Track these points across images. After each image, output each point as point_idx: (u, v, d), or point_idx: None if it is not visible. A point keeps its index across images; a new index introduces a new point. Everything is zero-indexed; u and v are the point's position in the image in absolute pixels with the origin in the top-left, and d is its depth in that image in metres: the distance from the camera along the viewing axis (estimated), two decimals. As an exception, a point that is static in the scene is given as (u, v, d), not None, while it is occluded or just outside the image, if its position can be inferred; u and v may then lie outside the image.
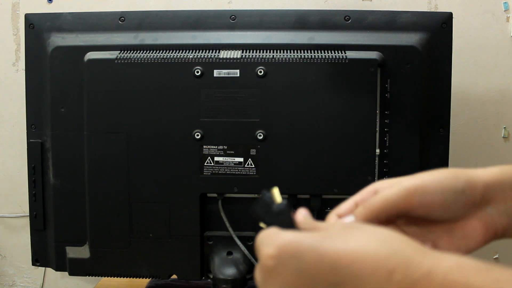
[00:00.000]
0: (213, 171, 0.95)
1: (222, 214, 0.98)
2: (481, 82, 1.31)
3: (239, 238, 0.97)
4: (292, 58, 0.93)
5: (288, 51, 0.95)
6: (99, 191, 0.97)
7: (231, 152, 0.95)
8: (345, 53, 0.93)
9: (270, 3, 1.32)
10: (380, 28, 0.97)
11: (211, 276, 0.99)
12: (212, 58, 0.94)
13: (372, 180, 0.93)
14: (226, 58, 0.93)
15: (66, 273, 1.01)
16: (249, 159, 0.95)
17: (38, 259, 1.04)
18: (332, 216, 0.51)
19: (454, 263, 0.38)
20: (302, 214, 0.46)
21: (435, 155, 0.98)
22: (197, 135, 0.94)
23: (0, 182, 1.41)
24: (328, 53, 0.93)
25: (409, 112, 0.95)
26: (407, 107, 0.95)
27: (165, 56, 0.94)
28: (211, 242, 0.99)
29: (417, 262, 0.39)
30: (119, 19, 1.00)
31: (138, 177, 0.96)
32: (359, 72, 0.92)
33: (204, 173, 0.95)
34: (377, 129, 0.94)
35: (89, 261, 0.99)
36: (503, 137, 1.32)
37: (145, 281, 1.11)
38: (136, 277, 1.01)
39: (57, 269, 1.02)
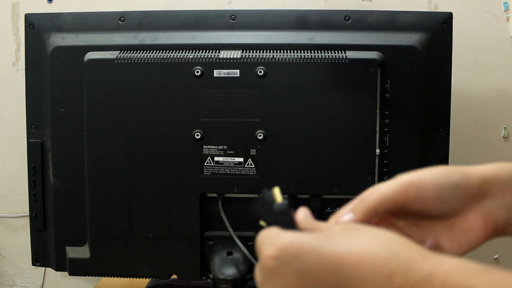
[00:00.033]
0: (213, 171, 0.95)
1: (222, 214, 0.98)
2: (481, 82, 1.31)
3: (239, 238, 0.97)
4: (292, 58, 0.93)
5: (288, 51, 0.95)
6: (99, 191, 0.97)
7: (231, 152, 0.95)
8: (345, 53, 0.93)
9: (270, 3, 1.32)
10: (380, 28, 0.97)
11: (211, 276, 0.99)
12: (212, 58, 0.94)
13: (372, 180, 0.93)
14: (226, 58, 0.93)
15: (66, 273, 1.01)
16: (249, 159, 0.95)
17: (38, 259, 1.04)
18: (334, 218, 0.51)
19: (454, 266, 0.38)
20: (302, 214, 0.46)
21: (435, 155, 0.98)
22: (197, 135, 0.94)
23: (0, 182, 1.41)
24: (328, 53, 0.93)
25: (409, 112, 0.95)
26: (407, 107, 0.95)
27: (165, 56, 0.94)
28: (211, 242, 0.99)
29: (417, 265, 0.39)
30: (119, 19, 1.00)
31: (138, 177, 0.96)
32: (359, 72, 0.92)
33: (204, 173, 0.95)
34: (377, 129, 0.94)
35: (89, 261, 0.99)
36: (503, 137, 1.32)
37: (145, 281, 1.11)
38: (136, 277, 1.01)
39: (57, 269, 1.02)
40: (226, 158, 0.95)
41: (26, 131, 1.01)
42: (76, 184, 0.98)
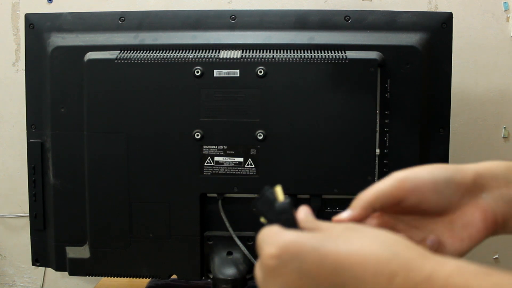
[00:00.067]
0: (213, 171, 0.95)
1: (222, 214, 0.98)
2: (481, 82, 1.31)
3: (239, 238, 0.97)
4: (292, 58, 0.93)
5: (288, 51, 0.95)
6: (99, 191, 0.97)
7: (231, 152, 0.95)
8: (345, 53, 0.93)
9: (270, 3, 1.32)
10: (380, 28, 0.97)
11: (211, 276, 0.99)
12: (212, 58, 0.94)
13: (372, 180, 0.93)
14: (226, 58, 0.93)
15: (66, 273, 1.01)
16: (249, 159, 0.95)
17: (38, 259, 1.04)
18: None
19: (455, 267, 0.38)
20: (303, 213, 0.47)
21: (435, 155, 0.98)
22: (197, 135, 0.94)
23: (0, 182, 1.41)
24: (328, 53, 0.93)
25: (409, 112, 0.95)
26: (407, 107, 0.95)
27: (165, 56, 0.94)
28: (211, 242, 0.99)
29: (418, 266, 0.39)
30: (119, 19, 1.00)
31: (138, 177, 0.96)
32: (359, 72, 0.92)
33: (204, 173, 0.95)
34: (377, 129, 0.94)
35: (89, 261, 0.99)
36: (503, 137, 1.32)
37: (145, 281, 1.11)
38: (136, 277, 1.01)
39: (57, 269, 1.02)
40: (226, 158, 0.95)
41: (26, 131, 1.01)
42: (76, 184, 0.98)
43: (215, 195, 0.98)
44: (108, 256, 0.99)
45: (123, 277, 1.01)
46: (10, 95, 1.38)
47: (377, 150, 0.94)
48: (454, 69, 0.99)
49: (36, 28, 1.00)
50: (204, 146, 0.95)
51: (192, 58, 0.94)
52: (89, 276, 1.00)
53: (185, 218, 0.97)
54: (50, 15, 1.00)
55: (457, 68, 1.27)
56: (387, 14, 0.98)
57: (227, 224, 0.97)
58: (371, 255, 0.40)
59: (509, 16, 1.29)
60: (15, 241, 1.43)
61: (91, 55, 0.95)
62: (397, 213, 0.52)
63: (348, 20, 0.98)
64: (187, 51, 0.95)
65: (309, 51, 0.94)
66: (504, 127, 1.32)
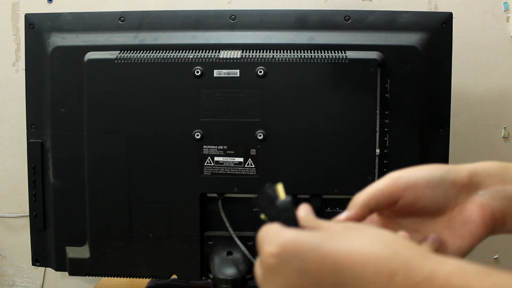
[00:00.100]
0: (213, 171, 0.95)
1: (222, 214, 0.98)
2: (481, 82, 1.31)
3: (239, 238, 0.97)
4: (292, 58, 0.93)
5: (288, 51, 0.95)
6: (99, 191, 0.97)
7: (231, 152, 0.95)
8: (345, 53, 0.93)
9: (270, 3, 1.32)
10: (380, 28, 0.97)
11: (211, 276, 0.99)
12: (212, 58, 0.94)
13: (372, 180, 0.93)
14: (226, 58, 0.93)
15: (66, 273, 1.01)
16: (249, 159, 0.95)
17: (38, 259, 1.04)
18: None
19: (455, 267, 0.38)
20: (304, 211, 0.47)
21: (435, 155, 0.98)
22: (197, 135, 0.94)
23: (0, 182, 1.41)
24: (328, 53, 0.93)
25: (409, 112, 0.95)
26: (407, 107, 0.95)
27: (165, 56, 0.94)
28: (211, 242, 0.99)
29: (418, 266, 0.39)
30: (119, 19, 1.00)
31: (138, 177, 0.96)
32: (359, 72, 0.92)
33: (204, 173, 0.95)
34: (377, 129, 0.94)
35: (89, 261, 0.99)
36: (503, 137, 1.32)
37: (145, 281, 1.11)
38: (136, 277, 1.01)
39: (57, 269, 1.02)
40: (226, 158, 0.95)
41: (26, 131, 1.01)
42: (76, 184, 0.98)
43: (215, 195, 0.98)
44: (108, 256, 0.99)
45: (123, 277, 1.01)
46: (10, 95, 1.38)
47: (377, 150, 0.94)
48: (454, 69, 0.99)
49: (36, 28, 1.00)
50: (204, 146, 0.95)
51: (192, 58, 0.94)
52: (89, 276, 1.00)
53: (185, 218, 0.97)
54: (50, 15, 1.00)
55: (457, 68, 1.27)
56: (387, 14, 0.98)
57: (227, 224, 0.97)
58: (371, 254, 0.40)
59: (509, 16, 1.29)
60: (15, 241, 1.43)
61: (91, 55, 0.95)
62: (395, 216, 0.52)
63: (348, 20, 0.98)
64: (187, 51, 0.95)
65: (309, 51, 0.94)
66: (504, 127, 1.32)
